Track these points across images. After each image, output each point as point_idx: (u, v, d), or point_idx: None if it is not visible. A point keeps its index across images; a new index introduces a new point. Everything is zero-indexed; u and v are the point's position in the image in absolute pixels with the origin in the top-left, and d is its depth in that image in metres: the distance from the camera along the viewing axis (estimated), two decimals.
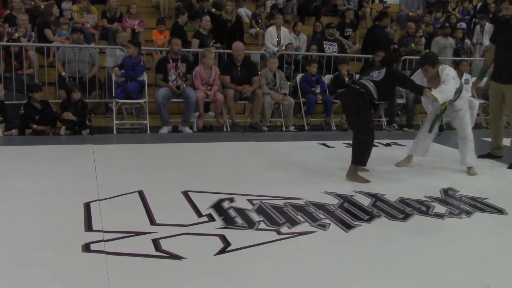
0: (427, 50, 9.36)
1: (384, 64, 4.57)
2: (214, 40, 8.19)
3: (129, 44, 7.02)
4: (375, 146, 6.02)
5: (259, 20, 9.89)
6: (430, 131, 4.91)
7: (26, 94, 6.34)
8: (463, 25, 10.83)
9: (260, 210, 3.48)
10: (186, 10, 8.79)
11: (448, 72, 4.55)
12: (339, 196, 3.89)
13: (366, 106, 4.40)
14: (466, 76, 8.20)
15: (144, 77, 6.97)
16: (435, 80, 4.59)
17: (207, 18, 8.14)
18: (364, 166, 4.46)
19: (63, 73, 7.04)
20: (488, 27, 10.60)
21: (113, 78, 6.87)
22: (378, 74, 4.48)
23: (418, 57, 8.96)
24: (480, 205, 3.87)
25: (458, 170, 4.96)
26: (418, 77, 4.81)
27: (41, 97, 6.13)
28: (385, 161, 5.20)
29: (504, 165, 5.21)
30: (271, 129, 7.20)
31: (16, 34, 7.22)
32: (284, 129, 7.15)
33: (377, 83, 4.41)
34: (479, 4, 12.40)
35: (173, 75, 6.86)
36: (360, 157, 4.41)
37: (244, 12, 10.31)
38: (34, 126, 6.00)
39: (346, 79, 7.64)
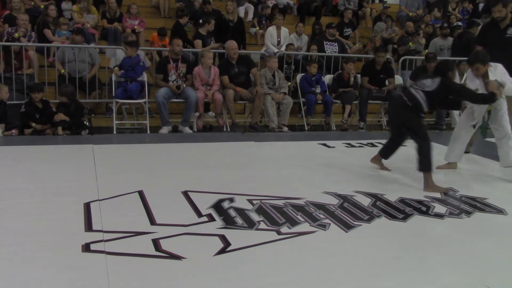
0: (426, 51, 9.38)
1: (439, 73, 4.34)
2: (214, 41, 8.19)
3: (126, 46, 7.01)
4: (376, 146, 6.06)
5: (263, 22, 9.88)
6: (484, 137, 4.86)
7: (27, 94, 6.34)
8: (458, 23, 10.84)
9: (260, 210, 3.48)
10: (187, 10, 8.79)
11: (501, 69, 4.51)
12: (339, 196, 3.89)
13: (414, 115, 4.24)
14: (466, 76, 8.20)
15: (144, 77, 6.97)
16: (485, 79, 4.50)
17: (214, 22, 8.17)
18: (431, 171, 4.22)
19: (62, 71, 7.04)
20: None
21: (113, 78, 6.88)
22: (431, 84, 4.23)
23: (417, 57, 9.06)
24: (480, 205, 3.87)
25: (458, 170, 4.96)
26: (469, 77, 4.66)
27: (41, 98, 6.13)
28: (385, 161, 5.20)
29: None
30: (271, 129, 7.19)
31: (16, 34, 7.22)
32: (276, 129, 7.09)
33: (428, 93, 4.18)
34: (481, 5, 12.37)
35: (173, 75, 6.87)
36: (427, 164, 4.20)
37: (246, 9, 10.27)
38: (33, 124, 6.01)
39: (352, 79, 7.64)
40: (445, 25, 10.29)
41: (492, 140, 5.70)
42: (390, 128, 4.70)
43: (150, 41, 8.56)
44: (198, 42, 7.93)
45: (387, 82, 7.72)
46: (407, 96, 4.27)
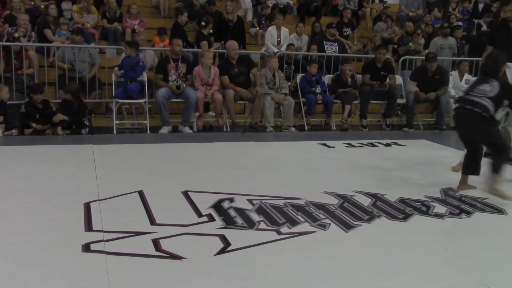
0: (426, 51, 9.38)
1: (492, 74, 4.03)
2: (213, 40, 8.21)
3: (126, 45, 7.00)
4: (375, 146, 6.07)
5: (263, 21, 9.88)
6: None
7: (27, 94, 6.35)
8: (459, 23, 10.86)
9: (260, 210, 3.48)
10: (186, 10, 8.79)
11: None
12: (339, 196, 3.89)
13: (492, 125, 3.94)
14: (467, 76, 8.21)
15: (144, 77, 6.98)
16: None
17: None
18: (500, 175, 3.97)
19: (65, 65, 7.03)
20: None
21: (113, 78, 6.88)
22: (491, 88, 3.92)
23: (417, 57, 9.06)
24: (480, 205, 3.86)
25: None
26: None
27: (41, 99, 6.13)
28: (385, 161, 5.21)
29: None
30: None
31: (16, 34, 7.22)
32: (283, 130, 7.13)
33: (493, 99, 3.89)
34: (481, 5, 12.36)
35: (173, 75, 6.87)
36: (500, 167, 3.91)
37: (248, 4, 10.26)
38: (34, 124, 6.01)
39: (349, 79, 7.64)
40: (446, 24, 10.29)
41: None
42: (464, 143, 4.25)
43: (152, 42, 8.54)
44: (205, 44, 7.89)
45: (387, 80, 7.73)
46: (479, 107, 3.89)
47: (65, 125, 6.09)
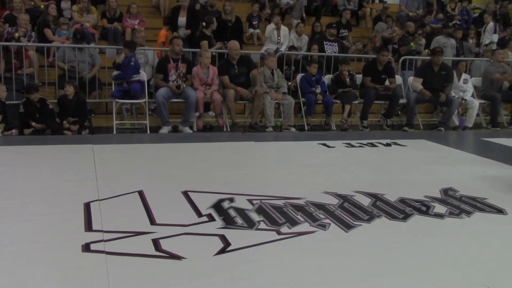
0: (426, 51, 9.38)
1: None
2: (215, 40, 8.22)
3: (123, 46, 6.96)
4: (375, 146, 6.07)
5: (254, 22, 9.85)
6: None
7: (22, 93, 6.36)
8: (457, 22, 10.88)
9: (260, 210, 3.48)
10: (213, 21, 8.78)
11: None
12: (339, 196, 3.89)
13: None
14: (464, 76, 8.21)
15: (144, 76, 6.97)
16: None
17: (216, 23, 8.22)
18: None
19: (65, 66, 7.03)
20: (490, 26, 10.59)
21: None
22: None
23: (417, 57, 9.06)
24: (480, 205, 3.86)
25: (458, 170, 4.96)
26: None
27: (38, 98, 6.14)
28: (385, 161, 5.21)
29: (504, 165, 5.20)
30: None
31: (17, 34, 7.22)
32: (283, 130, 7.13)
33: None
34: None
35: (173, 75, 6.86)
36: None
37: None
38: (33, 124, 6.02)
39: (347, 79, 7.64)
40: (450, 24, 10.30)
41: (491, 140, 5.71)
42: None
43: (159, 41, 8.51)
44: (205, 43, 7.88)
45: (387, 82, 7.72)
46: None
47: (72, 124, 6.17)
